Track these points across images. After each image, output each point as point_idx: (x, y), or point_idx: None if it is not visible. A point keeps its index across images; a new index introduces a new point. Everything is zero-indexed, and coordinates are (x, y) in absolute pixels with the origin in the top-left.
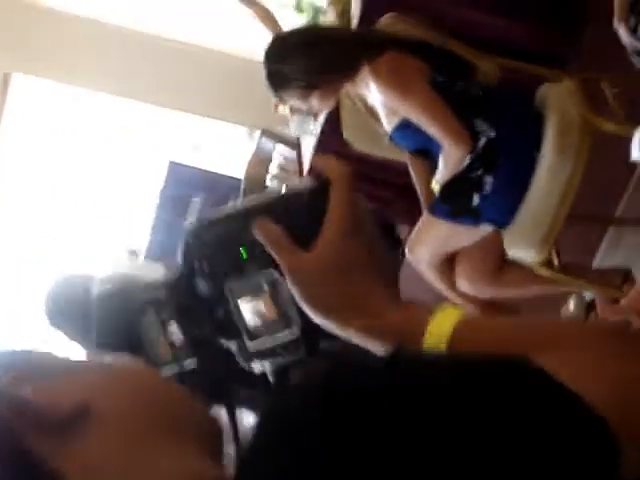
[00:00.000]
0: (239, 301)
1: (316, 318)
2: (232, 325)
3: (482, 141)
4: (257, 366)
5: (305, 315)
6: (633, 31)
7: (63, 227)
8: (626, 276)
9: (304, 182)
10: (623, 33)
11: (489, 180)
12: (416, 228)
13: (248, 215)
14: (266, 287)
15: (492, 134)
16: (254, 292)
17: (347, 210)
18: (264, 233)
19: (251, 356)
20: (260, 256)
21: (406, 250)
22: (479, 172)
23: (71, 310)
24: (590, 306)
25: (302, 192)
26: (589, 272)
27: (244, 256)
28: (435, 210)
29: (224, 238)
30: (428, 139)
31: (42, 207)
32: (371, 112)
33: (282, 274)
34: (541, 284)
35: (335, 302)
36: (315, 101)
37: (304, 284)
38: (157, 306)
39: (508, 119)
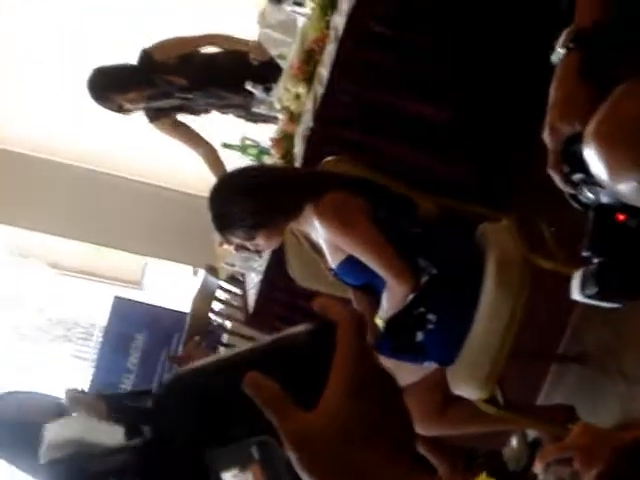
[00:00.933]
0: (223, 474)
1: None
2: None
3: (424, 278)
4: None
5: None
6: (566, 177)
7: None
8: (570, 413)
9: (302, 326)
10: (557, 180)
11: (432, 317)
12: None
13: (236, 367)
14: (256, 455)
15: (434, 271)
16: (242, 461)
17: (355, 362)
18: (256, 390)
19: None
20: (251, 418)
21: None
22: (422, 309)
23: (12, 439)
24: (534, 444)
25: (301, 337)
26: (533, 409)
27: (231, 418)
28: (378, 346)
29: (206, 395)
30: (372, 275)
31: None
32: (315, 249)
33: (277, 439)
34: (485, 422)
35: (344, 476)
36: (260, 240)
37: (308, 453)
38: (118, 477)
39: (449, 257)
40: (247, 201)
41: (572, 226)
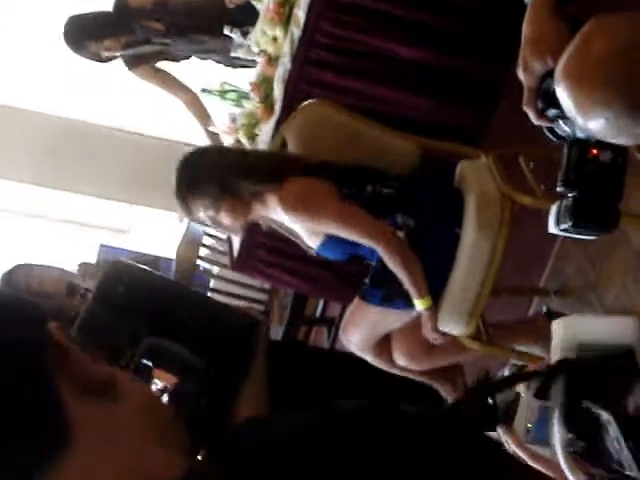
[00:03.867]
0: None
1: None
2: None
3: (403, 233)
4: None
5: None
6: (541, 113)
7: None
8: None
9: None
10: (531, 115)
11: None
12: (348, 311)
13: None
14: None
15: (411, 223)
16: None
17: None
18: None
19: None
20: None
21: (340, 330)
22: None
23: None
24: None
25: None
26: (515, 327)
27: None
28: (366, 296)
29: None
30: (354, 246)
31: None
32: (291, 233)
33: None
34: (472, 351)
35: None
36: (224, 215)
37: None
38: None
39: (425, 205)
40: (219, 160)
41: (550, 161)
